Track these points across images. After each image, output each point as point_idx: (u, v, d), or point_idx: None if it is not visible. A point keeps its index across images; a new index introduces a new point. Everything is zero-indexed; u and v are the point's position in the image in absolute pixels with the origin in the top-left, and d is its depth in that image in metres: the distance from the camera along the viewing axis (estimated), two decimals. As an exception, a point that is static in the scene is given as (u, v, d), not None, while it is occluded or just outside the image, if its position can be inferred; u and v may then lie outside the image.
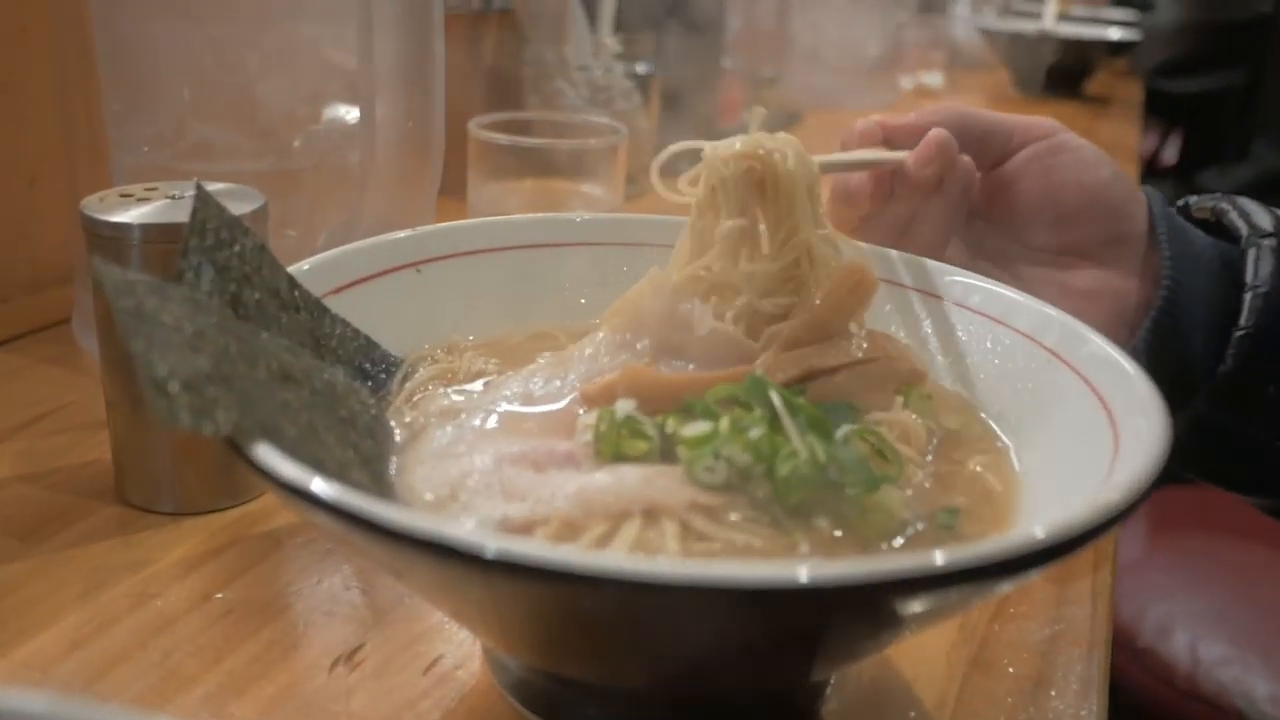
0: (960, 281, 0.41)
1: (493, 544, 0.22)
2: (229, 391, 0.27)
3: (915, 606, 0.25)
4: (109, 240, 0.42)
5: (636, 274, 0.41)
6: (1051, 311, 0.37)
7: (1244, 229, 0.50)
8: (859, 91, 1.62)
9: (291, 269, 0.37)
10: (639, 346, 0.38)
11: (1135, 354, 0.48)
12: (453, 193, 0.70)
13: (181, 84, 0.54)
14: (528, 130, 0.70)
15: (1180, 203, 0.55)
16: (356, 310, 0.39)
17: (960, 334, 0.40)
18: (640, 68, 1.01)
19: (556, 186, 0.68)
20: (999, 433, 0.37)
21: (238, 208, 0.42)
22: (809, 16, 1.65)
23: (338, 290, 0.39)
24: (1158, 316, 0.48)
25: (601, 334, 0.38)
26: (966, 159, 0.49)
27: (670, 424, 0.33)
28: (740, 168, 0.38)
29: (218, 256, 0.33)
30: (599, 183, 0.68)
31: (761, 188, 0.38)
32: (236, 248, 0.34)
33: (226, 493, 0.45)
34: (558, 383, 0.36)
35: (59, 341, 0.58)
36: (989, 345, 0.39)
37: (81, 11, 0.53)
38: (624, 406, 0.33)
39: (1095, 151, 0.51)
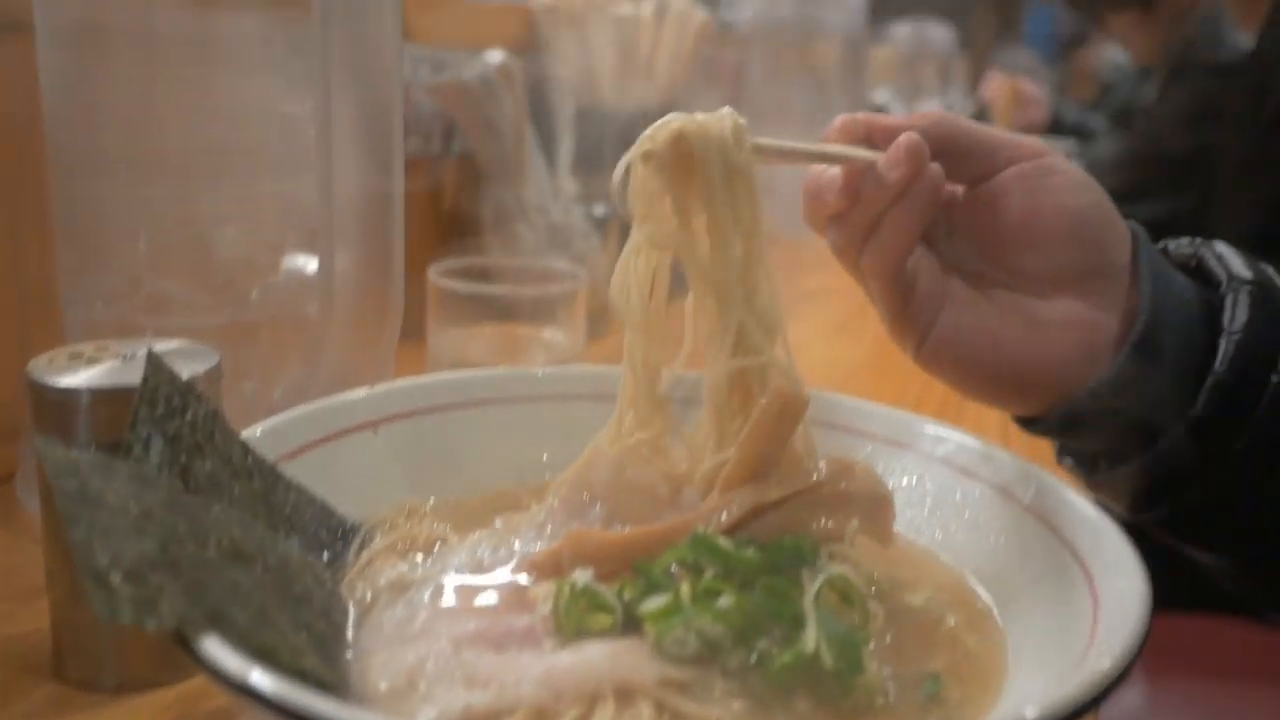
0: (930, 433, 0.41)
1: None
2: (175, 578, 0.25)
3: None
4: (56, 405, 0.41)
5: (600, 426, 0.40)
6: (1026, 466, 0.36)
7: (1223, 275, 0.49)
8: (804, 225, 1.65)
9: (245, 434, 0.36)
10: (591, 513, 0.37)
11: (1104, 389, 0.46)
12: (412, 336, 0.69)
13: (137, 238, 0.53)
14: (487, 275, 0.70)
15: (1159, 246, 0.53)
16: (313, 474, 0.37)
17: (929, 485, 0.40)
18: (598, 209, 1.02)
19: (518, 332, 0.68)
20: (975, 589, 0.37)
21: (191, 367, 0.41)
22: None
23: (293, 454, 0.38)
24: (1131, 352, 0.46)
25: (553, 501, 0.37)
26: (936, 168, 0.47)
27: (627, 592, 0.32)
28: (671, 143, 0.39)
29: (168, 426, 0.32)
30: (560, 327, 0.68)
31: (689, 162, 0.39)
32: (188, 415, 0.33)
33: (172, 666, 0.42)
34: (504, 551, 0.35)
35: (1, 500, 0.56)
36: (958, 498, 0.38)
37: (39, 167, 0.53)
38: (581, 576, 0.32)
39: (1083, 177, 0.50)
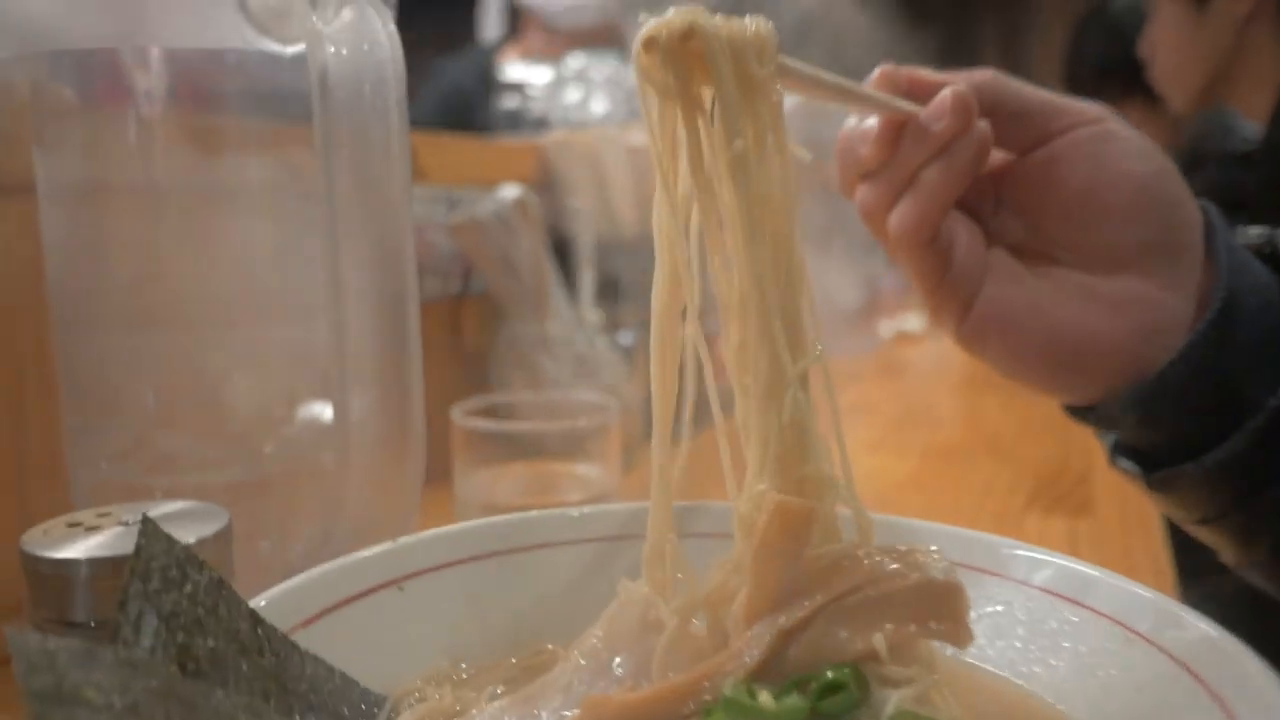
0: (1016, 555, 0.37)
1: None
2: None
3: None
4: (52, 578, 0.37)
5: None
6: (1139, 588, 0.32)
7: None
8: (839, 340, 1.63)
9: (254, 603, 0.32)
10: (616, 669, 0.33)
11: (1176, 371, 0.42)
12: (438, 480, 0.66)
13: (143, 393, 0.51)
14: (513, 412, 0.67)
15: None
16: (333, 642, 0.34)
17: (1020, 613, 0.36)
18: (624, 338, 1.00)
19: (549, 469, 0.64)
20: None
21: (197, 530, 0.38)
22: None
23: (309, 621, 0.34)
24: (1208, 330, 0.42)
25: (579, 659, 0.33)
26: (984, 125, 0.43)
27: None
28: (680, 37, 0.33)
29: (164, 601, 0.29)
30: (593, 462, 0.64)
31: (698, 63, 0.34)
32: (187, 587, 0.30)
33: None
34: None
35: (6, 681, 0.52)
36: (1056, 627, 0.34)
37: (42, 328, 0.51)
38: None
39: (1148, 144, 0.45)
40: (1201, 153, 1.85)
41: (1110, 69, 2.22)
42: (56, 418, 0.51)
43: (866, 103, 0.43)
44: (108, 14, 0.47)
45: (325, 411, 0.51)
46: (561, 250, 1.02)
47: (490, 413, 0.65)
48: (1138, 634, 0.30)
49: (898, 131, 0.44)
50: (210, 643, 0.29)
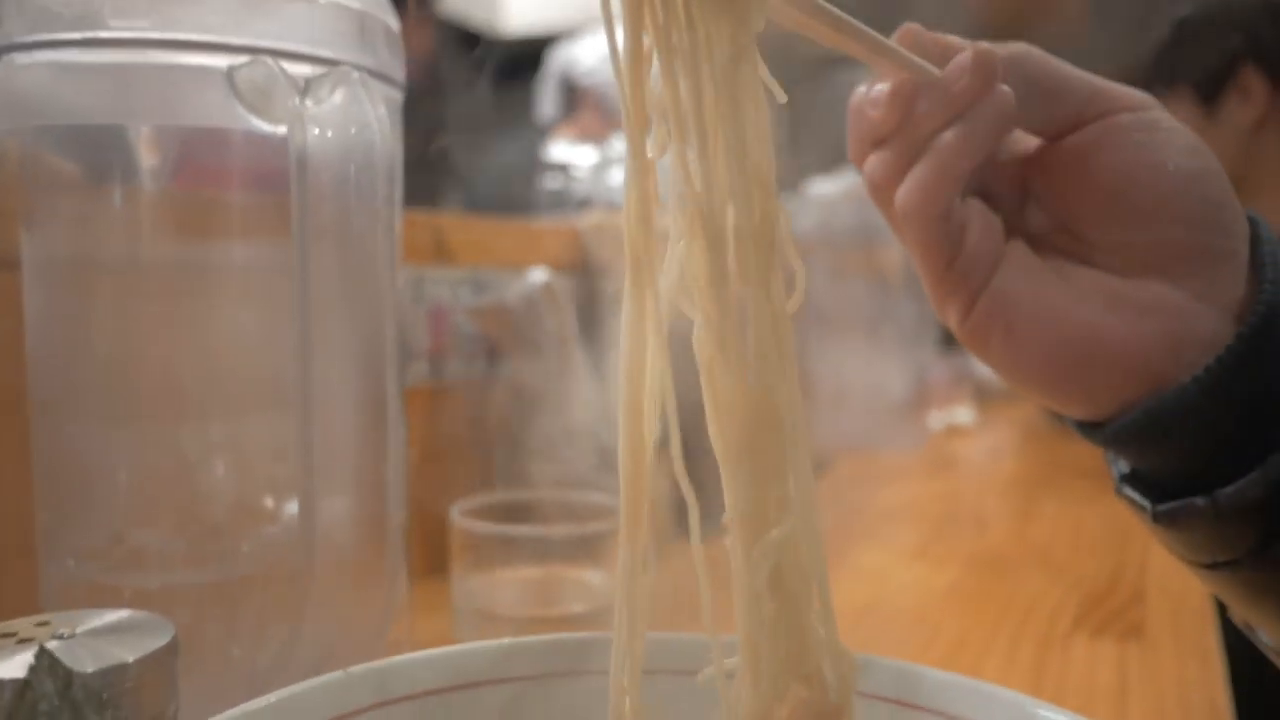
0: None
1: None
2: None
3: None
4: (-28, 699, 0.34)
5: (651, 708, 0.32)
6: None
7: None
8: (889, 433, 1.58)
9: (165, 746, 0.29)
10: None
11: (1200, 386, 0.37)
12: (440, 572, 0.63)
13: (118, 487, 0.48)
14: (519, 512, 0.63)
15: None
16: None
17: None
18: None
19: (552, 574, 0.60)
20: None
21: (138, 646, 0.35)
22: (830, 362, 1.63)
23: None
24: (1237, 347, 0.37)
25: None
26: (1007, 91, 0.38)
27: None
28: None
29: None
30: (600, 567, 0.60)
31: None
32: (79, 731, 0.26)
33: None
34: None
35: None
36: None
37: (16, 418, 0.48)
38: None
39: (1194, 139, 0.40)
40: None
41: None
42: (29, 510, 0.49)
43: (875, 50, 0.38)
44: (99, 90, 0.45)
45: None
46: (593, 336, 0.99)
47: (494, 511, 0.61)
48: None
49: (913, 94, 0.39)
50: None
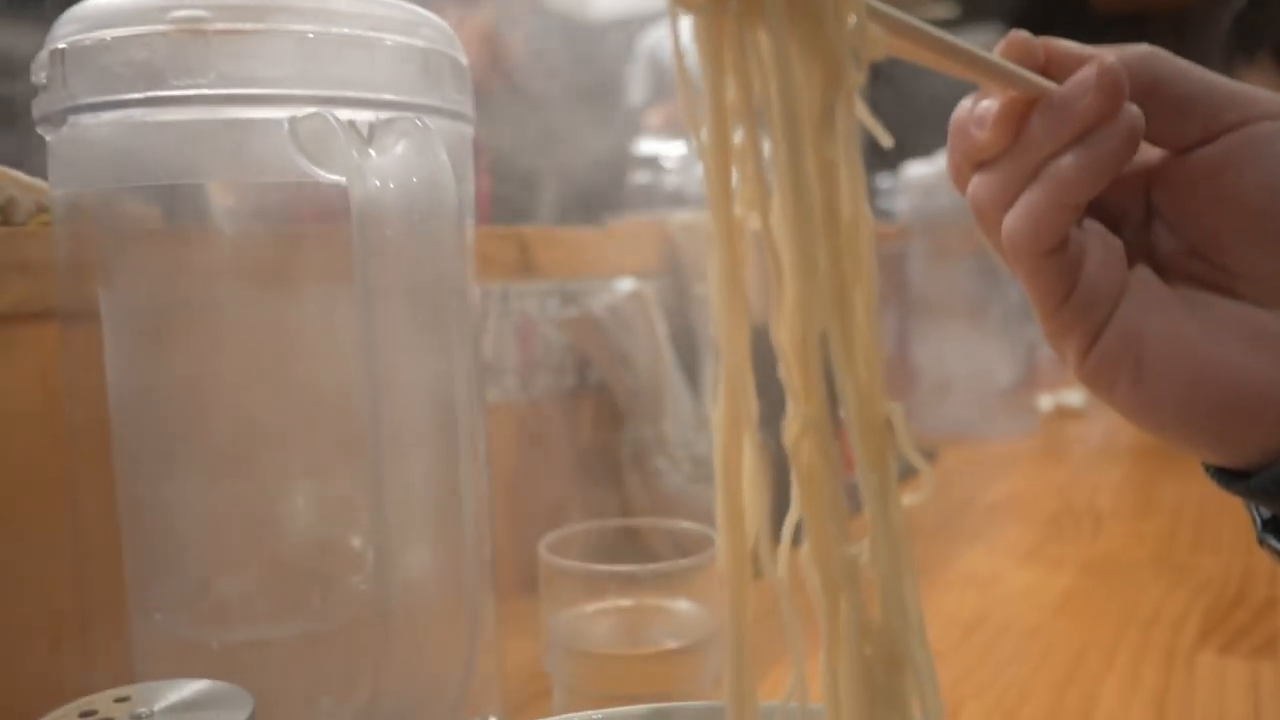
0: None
1: None
2: None
3: None
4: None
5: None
6: None
7: None
8: (996, 420, 1.53)
9: None
10: None
11: None
12: (530, 591, 0.62)
13: (197, 540, 0.48)
14: (610, 540, 0.62)
15: None
16: None
17: None
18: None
19: (644, 605, 0.59)
20: None
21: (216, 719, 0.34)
22: (932, 348, 1.59)
23: None
24: None
25: None
26: (1135, 110, 0.34)
27: None
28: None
29: None
30: (693, 598, 0.58)
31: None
32: None
33: None
34: None
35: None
36: None
37: (102, 470, 0.48)
38: None
39: None
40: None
41: None
42: (118, 562, 0.49)
43: (983, 70, 0.34)
44: (164, 147, 0.44)
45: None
46: (684, 342, 0.97)
47: (582, 542, 0.60)
48: None
49: (1024, 112, 0.35)
50: None
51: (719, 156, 0.27)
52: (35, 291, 0.52)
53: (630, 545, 0.63)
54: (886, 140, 0.31)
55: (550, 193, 1.48)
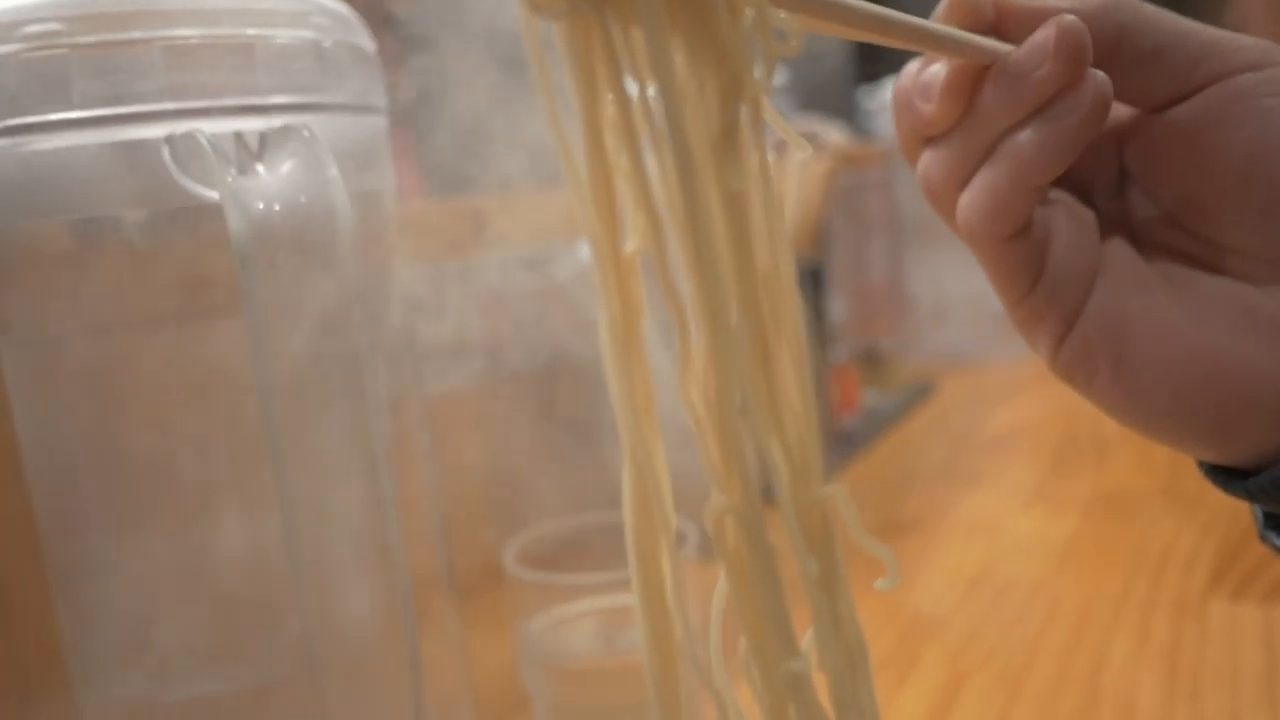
0: None
1: None
2: None
3: None
4: None
5: None
6: None
7: None
8: (994, 344, 1.48)
9: None
10: None
11: None
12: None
13: (134, 597, 0.45)
14: (578, 542, 0.58)
15: None
16: None
17: None
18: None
19: (614, 607, 0.56)
20: None
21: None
22: (926, 273, 1.54)
23: None
24: None
25: None
26: (1101, 77, 0.30)
27: None
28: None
29: None
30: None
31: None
32: None
33: None
34: None
35: None
36: None
37: (25, 536, 0.45)
38: None
39: None
40: None
41: None
42: (54, 632, 0.46)
43: (923, 40, 0.29)
44: (32, 173, 0.40)
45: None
46: (659, 302, 0.93)
47: (548, 547, 0.57)
48: None
49: (976, 80, 0.31)
50: None
51: (599, 189, 0.23)
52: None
53: (606, 537, 0.60)
54: (806, 149, 0.27)
55: (506, 154, 1.42)
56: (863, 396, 1.23)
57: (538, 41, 0.22)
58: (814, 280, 1.04)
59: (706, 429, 0.24)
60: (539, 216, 0.89)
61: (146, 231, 0.43)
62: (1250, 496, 0.32)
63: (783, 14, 0.24)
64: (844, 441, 1.10)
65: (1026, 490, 0.93)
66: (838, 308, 1.20)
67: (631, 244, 0.24)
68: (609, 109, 0.23)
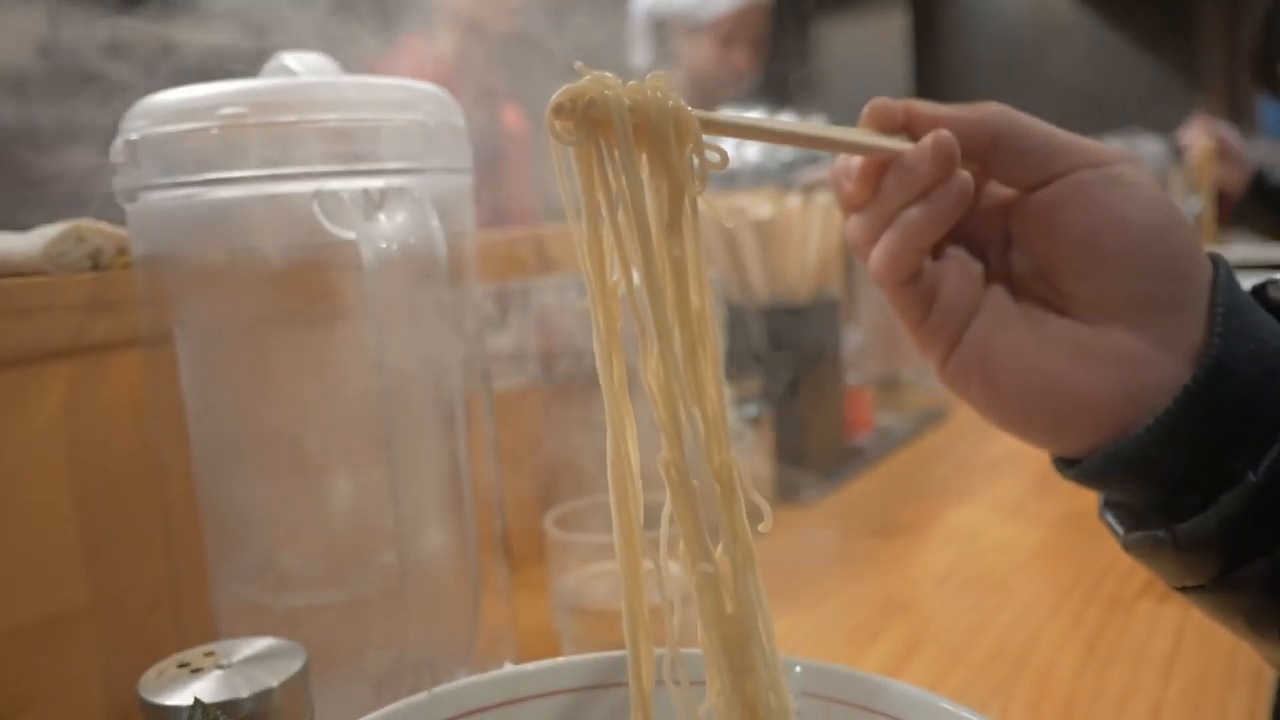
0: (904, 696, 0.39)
1: None
2: None
3: None
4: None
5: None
6: None
7: None
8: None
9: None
10: None
11: (1148, 436, 0.41)
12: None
13: (264, 528, 0.59)
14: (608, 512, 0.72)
15: (1260, 282, 0.46)
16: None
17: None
18: (750, 409, 1.04)
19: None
20: None
21: (279, 671, 0.46)
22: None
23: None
24: (1186, 399, 0.40)
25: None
26: (965, 175, 0.43)
27: None
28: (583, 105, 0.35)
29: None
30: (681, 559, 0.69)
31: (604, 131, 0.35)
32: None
33: None
34: None
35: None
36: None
37: (183, 468, 0.60)
38: None
39: (1156, 192, 0.43)
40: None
41: None
42: (201, 540, 0.61)
43: (832, 145, 0.43)
44: (214, 216, 0.55)
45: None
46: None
47: (583, 514, 0.71)
48: None
49: (882, 169, 0.44)
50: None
51: (594, 247, 0.37)
52: (121, 325, 0.64)
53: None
54: (729, 223, 0.40)
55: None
56: (878, 418, 1.36)
57: (560, 157, 0.36)
58: (832, 312, 1.17)
59: (657, 400, 0.37)
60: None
61: (285, 259, 0.58)
62: (1075, 479, 0.45)
63: (713, 144, 0.38)
64: (855, 456, 1.23)
65: (1007, 505, 1.06)
66: (856, 337, 1.33)
67: (612, 279, 0.38)
68: (600, 198, 0.37)
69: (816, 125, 0.43)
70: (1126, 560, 0.87)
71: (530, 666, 0.46)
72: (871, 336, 1.46)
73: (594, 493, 0.86)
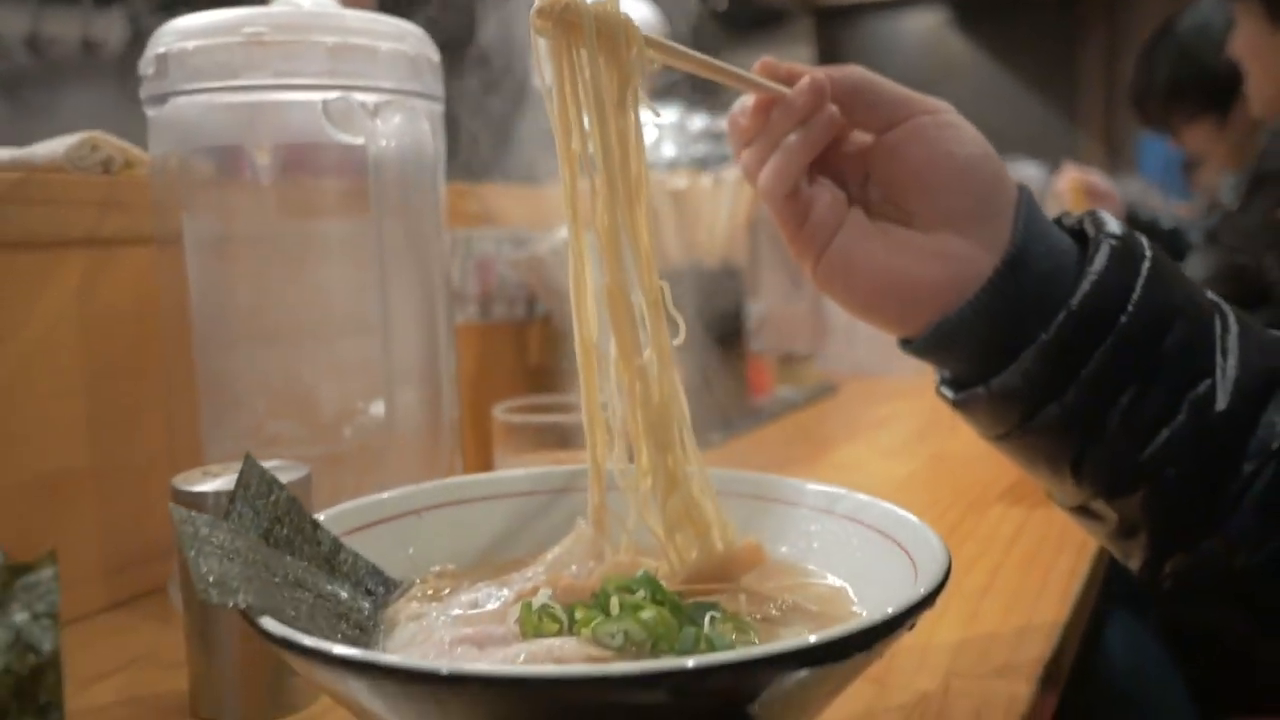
0: (818, 490, 0.52)
1: (445, 666, 0.32)
2: (249, 586, 0.39)
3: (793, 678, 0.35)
4: (191, 504, 0.56)
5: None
6: (861, 497, 0.48)
7: (1094, 231, 0.55)
8: (895, 361, 1.75)
9: (317, 515, 0.50)
10: (570, 572, 0.49)
11: (966, 312, 0.53)
12: (487, 466, 0.83)
13: (258, 392, 0.70)
14: (549, 410, 0.84)
15: (1058, 216, 0.59)
16: (369, 546, 0.51)
17: (814, 528, 0.52)
18: (664, 355, 1.16)
19: (577, 457, 0.81)
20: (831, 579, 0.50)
21: (287, 477, 0.56)
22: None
23: (353, 531, 0.51)
24: (995, 279, 0.53)
25: (542, 565, 0.50)
26: (833, 108, 0.55)
27: (579, 611, 0.44)
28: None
29: (258, 503, 0.46)
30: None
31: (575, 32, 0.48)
32: (272, 497, 0.47)
33: (283, 705, 0.56)
34: (499, 591, 0.48)
35: (159, 603, 0.72)
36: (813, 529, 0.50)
37: (187, 345, 0.70)
38: (541, 597, 0.44)
39: (974, 133, 0.56)
40: (1265, 173, 1.91)
41: (1178, 91, 2.27)
42: (197, 413, 0.71)
43: (740, 81, 0.55)
44: (235, 120, 0.66)
45: (380, 407, 0.69)
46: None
47: (527, 409, 0.82)
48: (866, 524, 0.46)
49: (769, 107, 0.56)
50: (285, 531, 0.46)
51: (562, 118, 0.49)
52: (131, 223, 0.73)
53: (562, 413, 0.85)
54: (659, 116, 0.53)
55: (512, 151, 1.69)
56: (777, 388, 1.49)
57: (538, 49, 0.48)
58: (737, 281, 1.31)
59: (602, 238, 0.49)
60: (529, 205, 1.15)
61: (292, 158, 0.68)
62: (913, 352, 0.58)
63: (652, 53, 0.50)
64: (756, 412, 1.36)
65: (889, 448, 1.20)
66: (759, 308, 1.47)
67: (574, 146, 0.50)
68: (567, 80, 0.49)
69: (729, 65, 0.56)
70: (989, 480, 1.03)
71: (505, 474, 0.58)
72: (771, 316, 1.60)
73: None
